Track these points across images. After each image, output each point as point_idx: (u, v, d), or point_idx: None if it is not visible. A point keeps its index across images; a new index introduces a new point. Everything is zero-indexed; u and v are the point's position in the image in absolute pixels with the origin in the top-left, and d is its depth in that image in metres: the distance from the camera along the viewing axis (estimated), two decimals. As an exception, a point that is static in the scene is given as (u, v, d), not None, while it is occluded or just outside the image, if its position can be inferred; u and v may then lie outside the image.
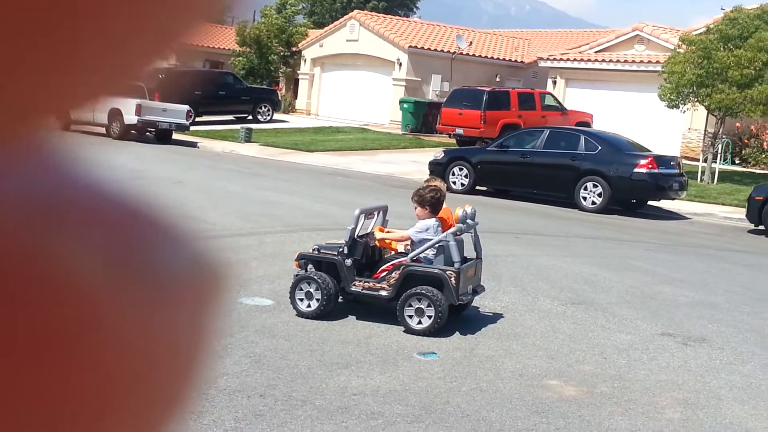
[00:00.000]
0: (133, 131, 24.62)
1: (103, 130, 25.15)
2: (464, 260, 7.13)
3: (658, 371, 6.34)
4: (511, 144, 18.45)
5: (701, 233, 15.13)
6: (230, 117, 31.73)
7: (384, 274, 7.07)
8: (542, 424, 5.12)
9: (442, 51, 34.68)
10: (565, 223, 14.69)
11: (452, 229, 7.07)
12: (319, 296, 6.98)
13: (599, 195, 16.80)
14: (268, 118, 32.58)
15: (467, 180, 18.49)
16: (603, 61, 30.02)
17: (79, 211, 0.26)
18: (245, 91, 32.42)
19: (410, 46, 33.91)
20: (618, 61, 29.55)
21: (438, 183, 7.74)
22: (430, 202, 7.21)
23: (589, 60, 30.50)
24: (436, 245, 7.07)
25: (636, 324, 7.67)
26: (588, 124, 26.11)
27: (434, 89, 34.07)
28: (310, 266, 7.22)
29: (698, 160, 23.17)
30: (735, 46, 20.87)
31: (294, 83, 40.64)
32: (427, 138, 29.17)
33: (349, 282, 7.04)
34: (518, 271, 9.65)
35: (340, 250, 7.07)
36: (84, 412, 0.25)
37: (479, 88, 27.45)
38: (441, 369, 6.02)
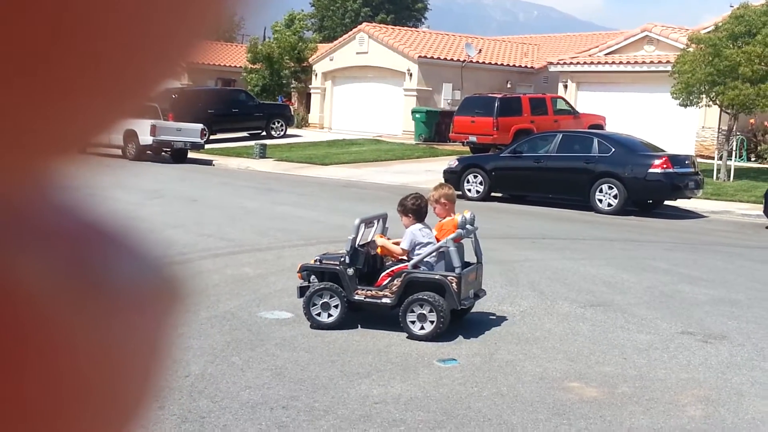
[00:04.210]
0: (148, 151, 24.82)
1: (119, 151, 25.37)
2: (465, 265, 7.18)
3: (679, 370, 6.34)
4: (525, 149, 18.46)
5: (719, 231, 15.08)
6: (244, 134, 31.93)
7: (386, 281, 7.12)
8: (564, 426, 5.14)
9: (452, 60, 34.76)
10: (582, 226, 14.69)
11: (452, 235, 7.11)
12: (337, 305, 7.04)
13: (615, 197, 16.78)
14: (282, 133, 32.74)
15: (482, 187, 18.51)
16: (613, 63, 30.00)
17: (33, 224, 0.26)
18: (258, 107, 32.61)
19: (420, 56, 34.02)
20: (628, 62, 29.52)
21: (446, 190, 7.71)
22: (411, 209, 7.24)
23: (599, 63, 30.49)
24: (437, 251, 7.12)
25: (655, 324, 7.67)
26: (601, 127, 26.07)
27: (446, 98, 34.13)
28: (313, 277, 7.28)
29: (713, 158, 23.08)
30: (744, 43, 20.82)
31: (306, 98, 40.83)
32: (441, 147, 29.21)
33: (351, 291, 7.09)
34: (536, 275, 9.67)
35: (342, 260, 7.12)
36: (35, 424, 0.25)
37: (491, 95, 27.51)
38: (461, 375, 6.05)
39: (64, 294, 0.25)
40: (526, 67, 36.94)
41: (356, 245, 7.11)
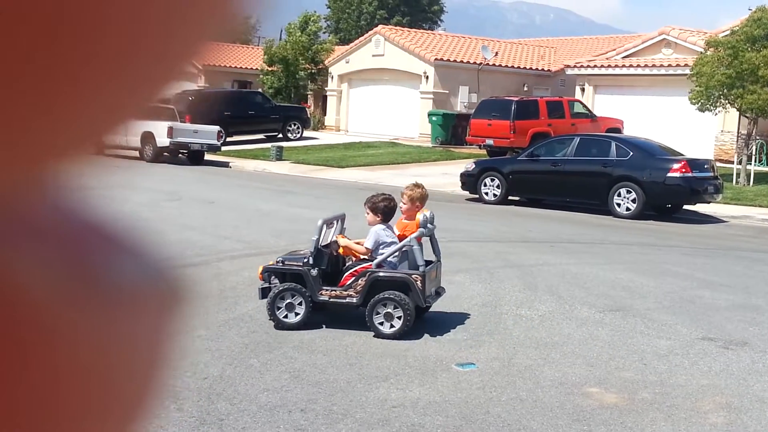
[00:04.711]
0: (165, 153, 24.91)
1: (136, 153, 25.48)
2: (425, 263, 7.25)
3: (700, 376, 6.28)
4: (542, 153, 18.39)
5: (739, 236, 14.96)
6: (260, 136, 31.98)
7: (350, 281, 7.16)
8: (584, 432, 5.09)
9: (468, 62, 34.72)
10: (600, 230, 14.61)
11: (415, 234, 7.19)
12: (301, 305, 7.07)
13: (633, 201, 16.68)
14: (298, 135, 32.78)
15: (499, 190, 18.46)
16: (631, 66, 29.86)
17: (32, 225, 0.26)
18: (274, 109, 32.66)
19: (436, 59, 33.99)
20: (646, 65, 29.38)
21: (424, 191, 7.72)
22: (382, 210, 7.30)
23: (616, 66, 30.35)
24: (400, 251, 7.18)
25: (675, 329, 7.60)
26: (618, 131, 25.96)
27: (462, 101, 34.09)
28: (273, 278, 7.27)
29: (732, 162, 22.91)
30: (762, 46, 20.66)
31: (322, 100, 40.88)
32: (457, 150, 29.16)
33: (316, 291, 7.12)
34: (554, 279, 9.61)
35: (306, 260, 7.15)
36: (34, 424, 0.25)
37: (507, 98, 27.44)
38: (480, 379, 6.01)
39: (64, 295, 0.25)
40: (542, 70, 36.85)
41: (319, 246, 7.15)
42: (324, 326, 7.18)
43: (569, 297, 8.72)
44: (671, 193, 16.73)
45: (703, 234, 14.96)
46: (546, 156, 18.18)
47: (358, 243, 7.35)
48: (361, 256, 7.31)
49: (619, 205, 16.83)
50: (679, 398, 5.76)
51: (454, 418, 5.22)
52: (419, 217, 7.34)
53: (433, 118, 31.57)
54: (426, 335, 7.08)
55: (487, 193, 18.54)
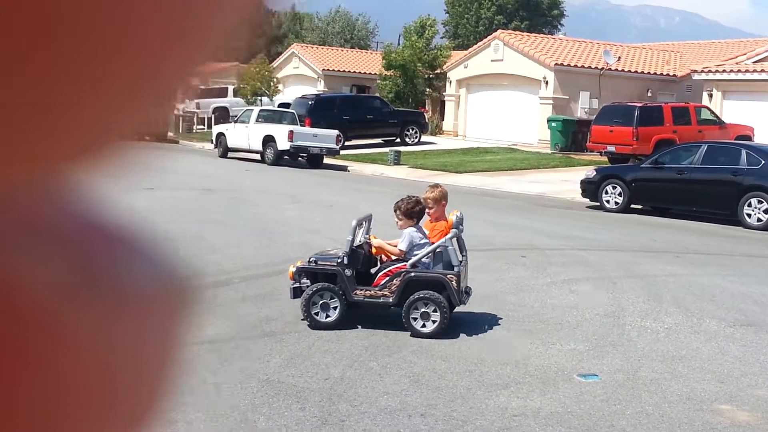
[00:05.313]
0: (286, 156, 25.45)
1: (258, 156, 26.14)
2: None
3: (841, 397, 5.93)
4: (667, 160, 17.84)
5: None
6: (378, 140, 32.26)
7: (384, 281, 7.19)
8: (715, 451, 4.89)
9: (589, 67, 34.06)
10: (729, 242, 14.03)
11: (450, 234, 7.23)
12: (336, 305, 7.09)
13: (765, 211, 15.96)
14: (416, 140, 32.91)
15: (621, 198, 18.02)
16: (762, 71, 28.59)
17: (39, 225, 0.25)
18: (393, 114, 32.90)
19: (556, 64, 33.49)
20: (780, 70, 28.08)
21: (445, 190, 7.70)
22: (417, 214, 7.34)
23: (747, 71, 29.13)
24: (435, 250, 7.24)
25: (813, 347, 7.21)
26: (749, 138, 24.91)
27: (583, 106, 33.46)
28: (303, 279, 7.27)
29: None
30: None
31: (440, 105, 40.90)
32: (577, 156, 28.63)
33: (350, 291, 7.14)
34: (680, 291, 9.28)
35: (340, 260, 7.15)
36: (39, 425, 0.25)
37: (630, 103, 26.78)
38: (603, 391, 5.86)
39: (68, 296, 0.25)
40: (667, 75, 35.77)
41: (354, 246, 7.18)
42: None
43: (697, 310, 8.40)
44: (806, 203, 15.93)
45: (842, 247, 14.16)
46: (671, 164, 17.62)
47: (391, 244, 7.41)
48: (393, 257, 7.35)
49: (749, 215, 16.14)
50: (818, 420, 5.45)
51: (576, 430, 5.11)
52: (452, 217, 7.39)
53: (553, 124, 31.11)
54: (546, 344, 6.97)
55: (608, 201, 18.13)
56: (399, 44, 42.00)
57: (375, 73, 42.08)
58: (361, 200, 17.24)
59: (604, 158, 25.94)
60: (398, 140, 32.40)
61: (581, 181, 19.00)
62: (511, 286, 9.22)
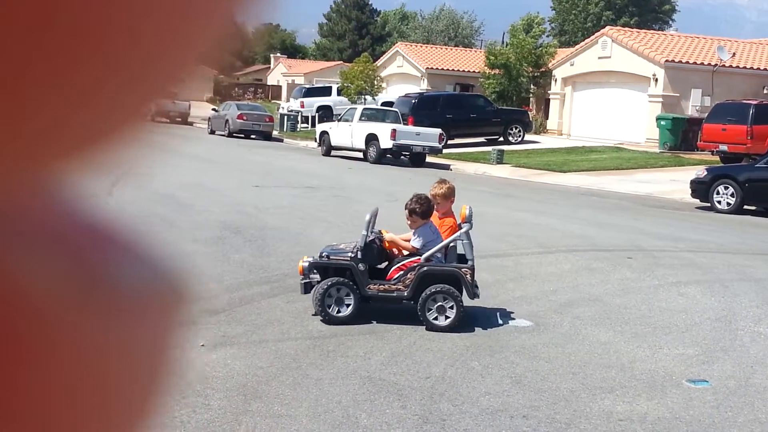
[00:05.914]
0: (388, 155, 25.58)
1: (360, 154, 26.36)
2: (463, 258, 7.28)
3: None
4: (784, 160, 17.14)
5: None
6: (481, 139, 32.07)
7: (398, 275, 7.15)
8: (834, 465, 4.66)
9: (701, 64, 32.98)
10: None
11: (464, 228, 7.22)
12: (349, 299, 7.04)
13: None
14: (519, 139, 32.56)
15: (733, 199, 17.39)
16: None
17: (35, 226, 0.26)
18: (496, 112, 32.64)
19: (667, 61, 32.55)
20: None
21: (452, 185, 7.71)
22: (426, 211, 7.26)
23: None
24: (449, 245, 7.20)
25: None
26: None
27: (694, 104, 32.42)
28: (313, 273, 7.17)
29: None
30: None
31: (545, 103, 40.36)
32: (687, 156, 27.78)
33: (364, 286, 7.10)
34: (797, 296, 8.89)
35: (352, 255, 7.11)
36: (36, 425, 0.25)
37: (745, 101, 25.83)
38: (713, 398, 5.66)
39: (63, 296, 0.25)
40: (785, 71, 34.30)
41: (367, 241, 7.15)
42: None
43: (815, 316, 8.03)
44: None
45: None
46: (789, 163, 16.93)
47: (403, 239, 7.40)
48: (408, 252, 7.31)
49: None
50: None
51: (685, 438, 4.95)
52: (465, 211, 7.37)
53: (662, 123, 30.26)
54: (654, 348, 6.79)
55: (719, 202, 17.54)
56: (503, 42, 41.65)
57: (479, 72, 41.82)
58: (464, 199, 17.13)
59: (716, 158, 25.11)
60: (501, 139, 32.12)
61: (691, 181, 18.43)
62: (616, 288, 9.02)
